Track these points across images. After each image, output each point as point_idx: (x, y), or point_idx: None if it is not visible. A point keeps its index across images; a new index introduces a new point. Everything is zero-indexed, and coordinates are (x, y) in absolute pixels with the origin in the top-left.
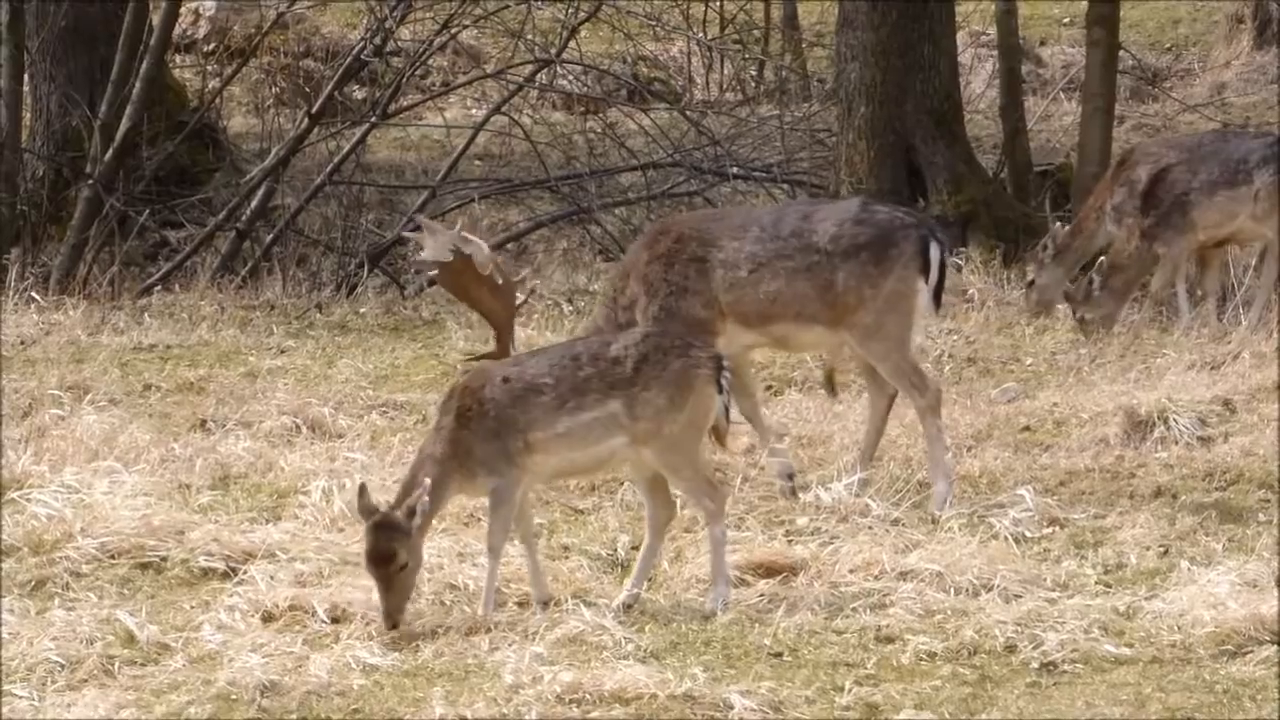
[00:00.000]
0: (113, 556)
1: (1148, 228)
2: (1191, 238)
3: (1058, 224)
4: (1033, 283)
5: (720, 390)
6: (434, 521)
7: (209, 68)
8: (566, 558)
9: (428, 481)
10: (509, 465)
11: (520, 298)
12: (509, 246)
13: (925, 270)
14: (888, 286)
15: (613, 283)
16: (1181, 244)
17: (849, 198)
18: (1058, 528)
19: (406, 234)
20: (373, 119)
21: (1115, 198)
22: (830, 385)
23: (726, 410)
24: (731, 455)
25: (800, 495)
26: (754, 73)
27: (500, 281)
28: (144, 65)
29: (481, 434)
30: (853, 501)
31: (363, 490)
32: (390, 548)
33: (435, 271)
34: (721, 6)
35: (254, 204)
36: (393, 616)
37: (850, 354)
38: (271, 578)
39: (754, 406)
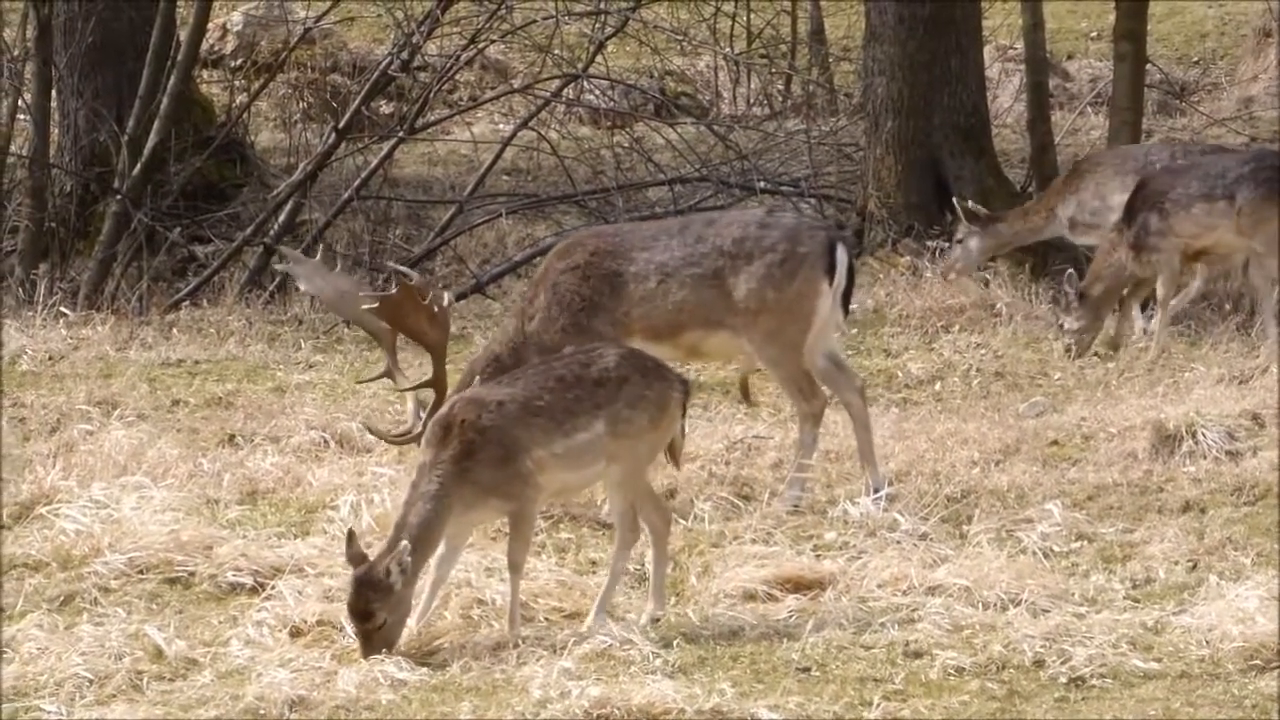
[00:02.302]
0: (141, 571)
1: (1133, 240)
2: (1176, 241)
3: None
4: (959, 241)
5: (683, 413)
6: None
7: (236, 83)
8: (594, 573)
9: (405, 544)
10: (524, 485)
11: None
12: (536, 261)
13: (830, 273)
14: (792, 290)
15: (524, 294)
16: (1168, 246)
17: (756, 206)
18: (1086, 542)
19: (278, 268)
20: (400, 134)
21: (1067, 209)
22: (745, 393)
23: (683, 430)
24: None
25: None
26: (781, 87)
27: (437, 310)
28: (171, 80)
29: (490, 461)
30: (880, 516)
31: (351, 537)
32: (369, 607)
33: (375, 305)
34: (748, 21)
35: (281, 219)
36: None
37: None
38: (300, 593)
39: None
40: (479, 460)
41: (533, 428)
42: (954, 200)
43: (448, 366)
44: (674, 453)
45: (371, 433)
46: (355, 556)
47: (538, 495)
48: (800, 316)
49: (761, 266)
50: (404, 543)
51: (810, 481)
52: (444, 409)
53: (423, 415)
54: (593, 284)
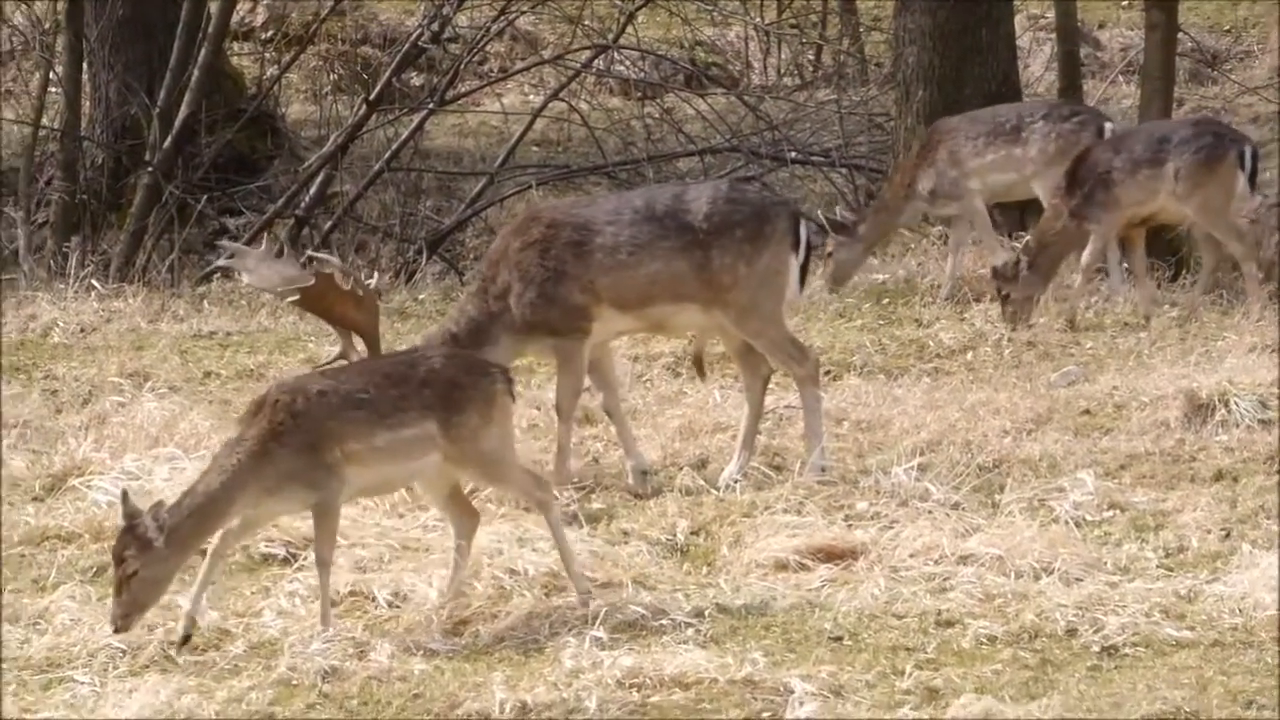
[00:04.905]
0: None
1: (1075, 207)
2: (1119, 214)
3: (865, 206)
4: (830, 255)
5: (513, 400)
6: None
7: (267, 55)
8: (626, 543)
9: (160, 501)
10: (329, 477)
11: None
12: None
13: (796, 247)
14: (762, 263)
15: (481, 273)
16: (1110, 220)
17: (715, 180)
18: (1118, 511)
19: (223, 263)
20: (430, 105)
21: (926, 182)
22: (699, 367)
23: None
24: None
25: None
26: (811, 57)
27: (362, 294)
28: (202, 53)
29: (295, 447)
30: (912, 486)
31: (125, 496)
32: (123, 553)
33: (296, 297)
34: None
35: (312, 191)
36: (115, 621)
37: (721, 336)
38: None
39: (615, 402)
40: (285, 444)
41: (349, 421)
42: (819, 214)
43: None
44: None
45: None
46: (129, 513)
47: (342, 488)
48: (773, 287)
49: (732, 241)
50: (159, 500)
51: (828, 448)
52: (264, 389)
53: None
54: (555, 254)
